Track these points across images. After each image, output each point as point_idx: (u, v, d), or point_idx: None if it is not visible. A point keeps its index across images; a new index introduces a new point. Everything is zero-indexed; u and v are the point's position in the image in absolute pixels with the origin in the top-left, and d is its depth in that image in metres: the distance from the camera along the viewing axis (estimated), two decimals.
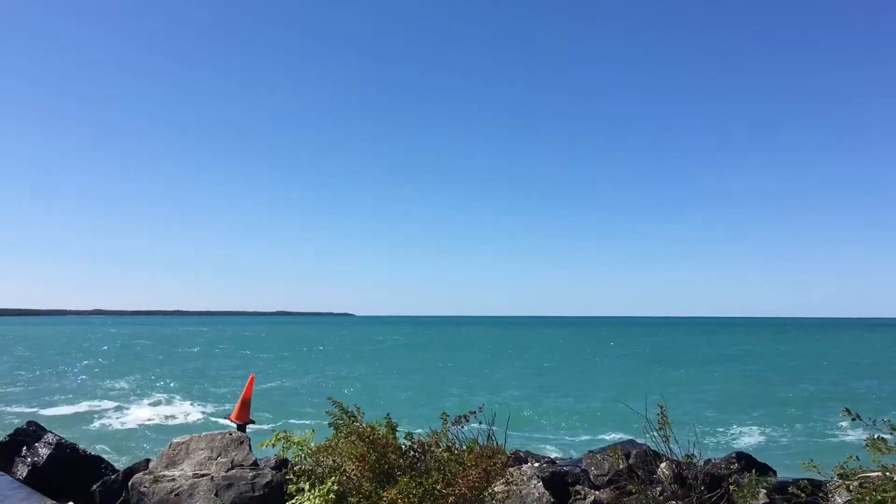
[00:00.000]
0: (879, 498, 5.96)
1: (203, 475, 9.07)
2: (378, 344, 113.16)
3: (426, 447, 7.40)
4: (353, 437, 7.23)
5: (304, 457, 7.55)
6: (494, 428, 9.48)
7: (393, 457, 7.12)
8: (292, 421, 30.47)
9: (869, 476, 7.25)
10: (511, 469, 8.71)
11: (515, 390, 45.03)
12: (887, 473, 6.34)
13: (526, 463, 12.19)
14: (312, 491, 6.90)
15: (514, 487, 8.14)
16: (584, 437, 27.38)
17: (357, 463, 6.98)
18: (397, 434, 7.49)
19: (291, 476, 7.28)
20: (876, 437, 7.06)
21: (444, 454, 7.28)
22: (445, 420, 7.61)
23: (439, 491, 6.65)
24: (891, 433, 7.07)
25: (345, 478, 7.04)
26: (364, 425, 7.46)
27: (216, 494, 8.64)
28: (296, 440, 7.64)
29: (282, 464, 8.95)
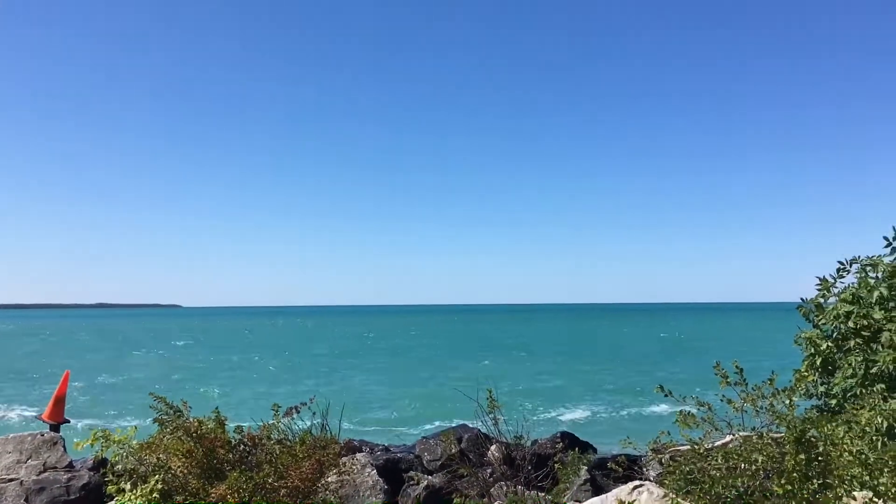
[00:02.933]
0: (688, 469, 6.41)
1: (11, 480, 8.43)
2: (211, 334, 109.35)
3: (257, 440, 7.24)
4: (180, 433, 6.95)
5: (126, 455, 7.16)
6: (329, 419, 9.42)
7: (222, 451, 6.91)
8: (112, 418, 28.92)
9: (679, 449, 7.82)
10: (345, 459, 8.69)
11: (353, 379, 44.96)
12: (695, 446, 6.84)
13: (360, 451, 12.20)
14: (134, 491, 6.56)
15: (348, 477, 8.13)
16: (420, 424, 27.73)
17: (183, 459, 6.72)
18: (227, 428, 7.29)
19: (111, 476, 6.89)
20: (685, 412, 7.62)
21: (276, 447, 7.17)
22: (277, 412, 7.47)
23: (271, 484, 6.54)
24: (698, 408, 7.65)
25: (170, 476, 6.74)
26: (191, 420, 7.19)
27: (26, 500, 8.06)
28: (116, 438, 7.22)
29: (100, 464, 8.46)
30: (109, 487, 6.81)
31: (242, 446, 7.17)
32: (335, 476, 7.45)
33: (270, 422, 7.43)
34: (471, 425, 13.40)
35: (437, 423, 26.17)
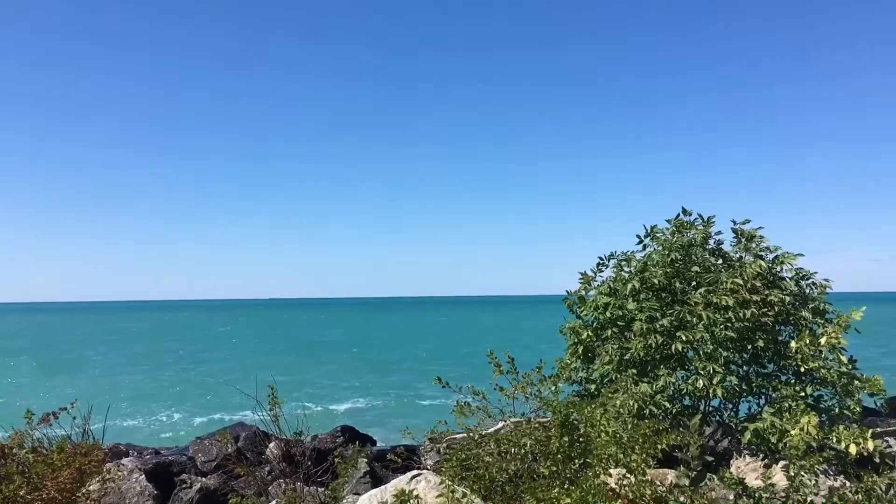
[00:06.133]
0: (463, 456, 6.69)
1: None
2: None
3: (7, 450, 6.60)
4: None
5: None
6: (92, 424, 8.79)
7: None
8: None
9: (455, 437, 8.13)
10: (109, 465, 8.14)
11: (118, 380, 42.19)
12: (470, 434, 7.15)
13: (127, 456, 11.51)
14: None
15: (113, 484, 7.62)
16: (196, 424, 26.59)
17: None
18: None
19: None
20: (461, 401, 7.95)
21: (30, 456, 6.59)
22: (30, 418, 6.86)
23: (23, 497, 6.00)
24: (473, 397, 8.02)
25: None
26: None
27: None
28: None
29: None
30: None
31: None
32: (98, 484, 6.98)
33: (23, 429, 6.82)
34: (249, 423, 13.08)
35: (214, 422, 25.30)
